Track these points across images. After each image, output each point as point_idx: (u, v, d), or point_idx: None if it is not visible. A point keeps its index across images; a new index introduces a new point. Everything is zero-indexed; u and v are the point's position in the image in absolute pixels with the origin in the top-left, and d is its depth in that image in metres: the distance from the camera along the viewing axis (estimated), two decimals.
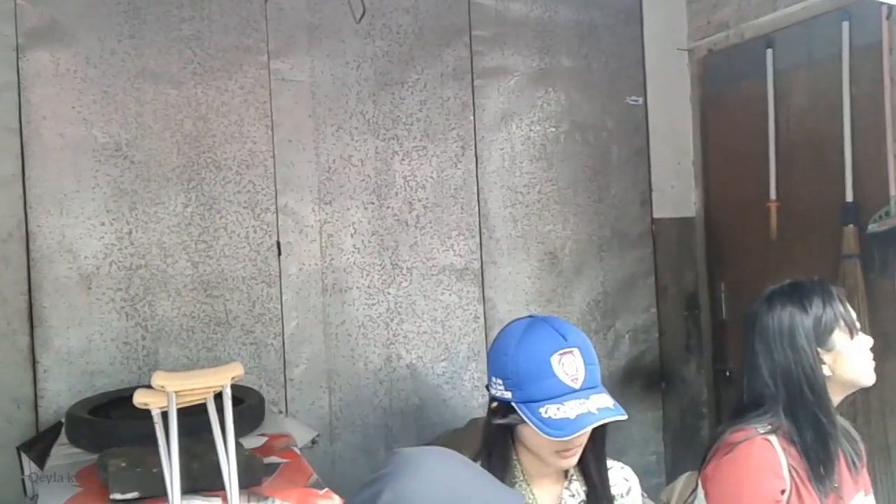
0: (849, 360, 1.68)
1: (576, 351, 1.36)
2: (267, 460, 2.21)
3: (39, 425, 2.79)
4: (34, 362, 2.80)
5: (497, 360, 1.41)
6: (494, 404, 1.42)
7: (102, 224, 2.90)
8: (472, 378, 3.43)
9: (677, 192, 3.80)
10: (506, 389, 1.37)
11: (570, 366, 1.35)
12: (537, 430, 1.31)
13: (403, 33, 3.34)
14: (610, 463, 1.53)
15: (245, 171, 3.10)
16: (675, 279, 3.81)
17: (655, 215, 3.76)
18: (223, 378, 1.98)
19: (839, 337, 1.68)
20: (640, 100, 3.74)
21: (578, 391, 1.34)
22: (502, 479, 1.40)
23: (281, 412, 3.05)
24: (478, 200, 3.46)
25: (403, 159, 3.34)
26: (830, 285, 1.73)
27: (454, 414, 3.35)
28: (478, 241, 3.46)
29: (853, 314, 1.71)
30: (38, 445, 2.65)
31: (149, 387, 1.93)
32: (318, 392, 3.20)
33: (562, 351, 1.35)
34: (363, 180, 3.29)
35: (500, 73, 3.50)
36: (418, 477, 0.95)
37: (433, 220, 3.39)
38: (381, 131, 3.31)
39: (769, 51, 3.30)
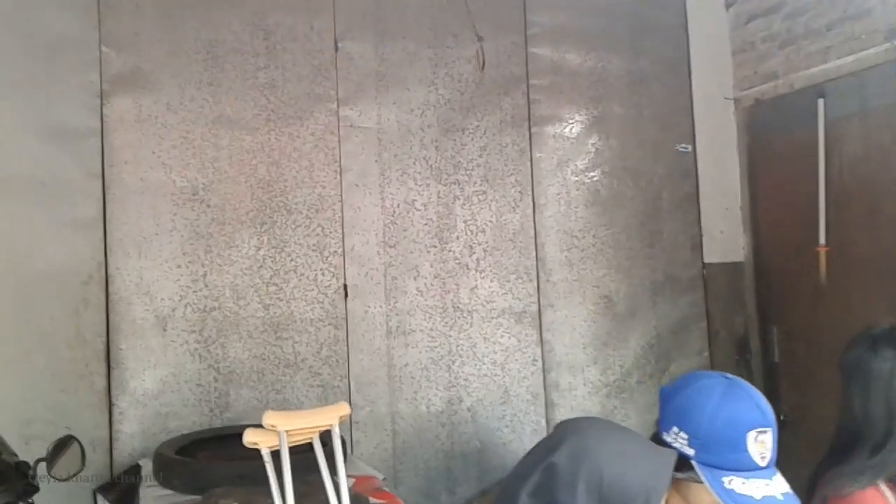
0: None
1: (770, 431, 1.36)
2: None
3: (114, 467, 2.79)
4: (110, 404, 2.82)
5: (688, 414, 1.39)
6: None
7: (178, 266, 2.94)
8: (531, 422, 3.44)
9: (726, 238, 3.86)
10: (689, 446, 1.37)
11: (763, 445, 1.35)
12: (720, 498, 1.31)
13: (465, 82, 3.43)
14: None
15: (314, 214, 3.15)
16: (725, 323, 3.84)
17: (706, 260, 3.82)
18: (332, 417, 2.00)
19: None
20: (689, 147, 3.82)
21: (763, 469, 1.34)
22: None
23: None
24: (535, 244, 3.51)
25: (464, 204, 3.41)
26: None
27: (515, 458, 3.32)
28: (535, 284, 3.50)
29: None
30: (115, 488, 2.66)
31: (256, 426, 1.96)
32: (382, 434, 3.21)
33: (760, 429, 1.35)
34: (426, 224, 3.34)
35: (555, 121, 3.59)
36: (590, 436, 1.20)
37: (493, 264, 3.43)
38: (444, 176, 3.38)
39: (820, 100, 3.38)
